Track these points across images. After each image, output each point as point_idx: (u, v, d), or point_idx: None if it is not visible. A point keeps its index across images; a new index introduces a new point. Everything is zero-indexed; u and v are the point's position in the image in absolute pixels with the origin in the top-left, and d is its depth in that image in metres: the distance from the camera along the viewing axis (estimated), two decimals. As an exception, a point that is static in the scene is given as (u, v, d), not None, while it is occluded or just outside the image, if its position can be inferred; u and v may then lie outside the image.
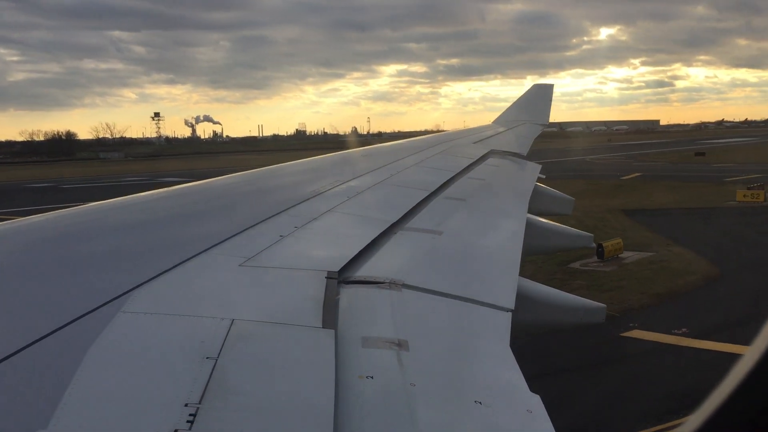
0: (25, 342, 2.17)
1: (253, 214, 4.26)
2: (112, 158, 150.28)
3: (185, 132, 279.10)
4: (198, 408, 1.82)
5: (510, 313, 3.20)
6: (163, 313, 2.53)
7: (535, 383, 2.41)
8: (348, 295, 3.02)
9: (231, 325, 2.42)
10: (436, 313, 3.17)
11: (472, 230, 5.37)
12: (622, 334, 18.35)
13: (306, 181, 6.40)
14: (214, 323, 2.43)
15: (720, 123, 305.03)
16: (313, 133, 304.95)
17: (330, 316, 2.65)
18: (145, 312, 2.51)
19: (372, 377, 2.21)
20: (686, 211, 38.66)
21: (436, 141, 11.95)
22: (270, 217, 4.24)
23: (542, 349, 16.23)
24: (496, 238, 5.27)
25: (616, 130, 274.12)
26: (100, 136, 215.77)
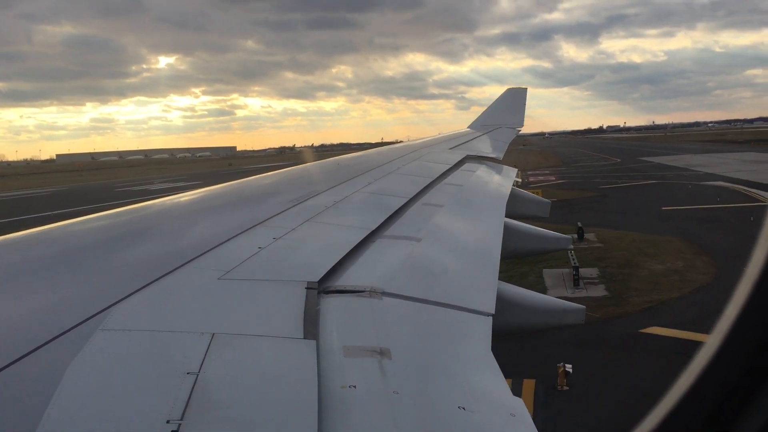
0: (1, 363, 2.12)
1: (231, 226, 4.19)
2: None
3: None
4: (180, 424, 1.80)
5: (491, 318, 3.20)
6: (142, 330, 2.50)
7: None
8: (328, 304, 3.00)
9: (211, 339, 2.40)
10: (417, 320, 3.14)
11: (450, 236, 5.33)
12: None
13: (283, 192, 6.30)
14: (194, 338, 2.41)
15: (292, 148, 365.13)
16: None
17: (311, 326, 2.63)
18: (123, 329, 2.48)
19: (355, 386, 2.19)
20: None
21: (411, 148, 11.95)
22: (248, 229, 4.18)
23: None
24: (474, 243, 5.25)
25: (200, 156, 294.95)
26: None
